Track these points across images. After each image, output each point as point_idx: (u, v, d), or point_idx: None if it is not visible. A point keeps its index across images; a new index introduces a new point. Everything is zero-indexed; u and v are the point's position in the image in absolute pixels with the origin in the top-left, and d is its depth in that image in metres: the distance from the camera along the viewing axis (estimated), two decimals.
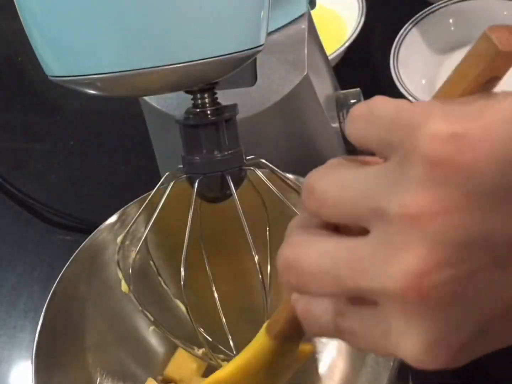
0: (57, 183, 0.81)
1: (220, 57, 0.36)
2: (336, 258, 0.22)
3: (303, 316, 0.25)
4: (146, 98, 0.56)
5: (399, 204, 0.20)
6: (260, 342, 0.31)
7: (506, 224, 0.19)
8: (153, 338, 0.56)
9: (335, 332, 0.24)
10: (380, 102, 0.22)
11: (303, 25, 0.57)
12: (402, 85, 0.72)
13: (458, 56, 0.58)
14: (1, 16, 0.94)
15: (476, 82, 0.21)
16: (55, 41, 0.36)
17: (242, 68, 0.39)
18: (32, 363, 0.44)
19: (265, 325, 0.31)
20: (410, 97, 0.70)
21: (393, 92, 0.71)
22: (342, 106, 0.60)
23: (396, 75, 0.73)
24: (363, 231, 0.22)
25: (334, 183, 0.22)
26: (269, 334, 0.30)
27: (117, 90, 0.38)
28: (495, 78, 0.21)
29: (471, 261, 0.20)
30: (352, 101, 0.61)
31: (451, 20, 0.80)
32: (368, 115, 0.22)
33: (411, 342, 0.21)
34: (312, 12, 0.61)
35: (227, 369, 0.33)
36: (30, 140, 0.86)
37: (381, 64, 0.77)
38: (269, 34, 0.41)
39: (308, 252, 0.23)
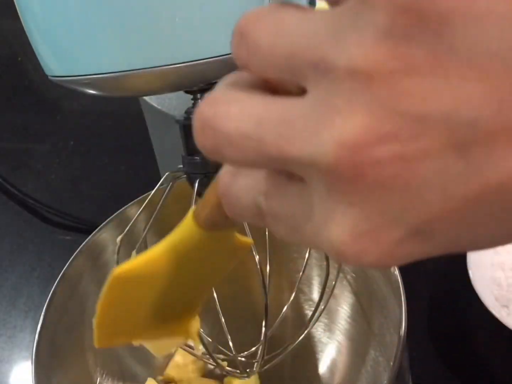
0: (57, 183, 0.81)
1: (220, 57, 0.36)
2: (261, 120, 0.18)
3: (224, 193, 0.22)
4: (146, 98, 0.56)
5: (348, 56, 0.16)
6: (185, 229, 0.27)
7: (476, 100, 0.15)
8: None
9: (256, 214, 0.21)
10: None
11: None
12: None
13: None
14: (1, 16, 0.94)
15: None
16: (55, 41, 0.36)
17: None
18: (32, 363, 0.44)
19: (191, 210, 0.27)
20: None
21: None
22: None
23: None
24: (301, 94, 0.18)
25: (272, 27, 0.18)
26: (195, 221, 0.26)
27: (117, 90, 0.38)
28: None
29: (425, 139, 0.16)
30: None
31: None
32: None
33: (335, 230, 0.18)
34: None
35: (148, 255, 0.28)
36: (30, 140, 0.87)
37: None
38: None
39: (229, 110, 0.19)
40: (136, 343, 0.32)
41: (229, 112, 0.19)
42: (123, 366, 0.54)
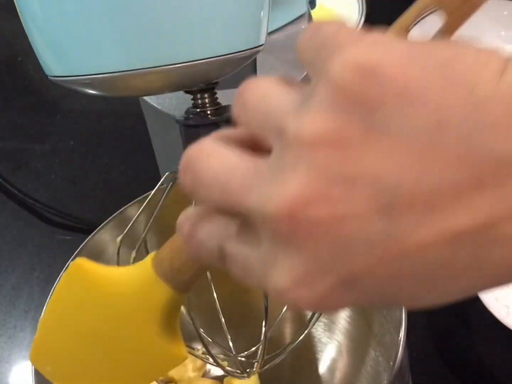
0: (57, 183, 0.81)
1: (220, 57, 0.36)
2: (232, 170, 0.21)
3: (189, 235, 0.24)
4: (146, 98, 0.56)
5: (296, 125, 0.19)
6: (141, 264, 0.28)
7: (400, 169, 0.18)
8: None
9: (218, 256, 0.23)
10: (327, 24, 0.21)
11: (303, 25, 0.57)
12: None
13: None
14: (1, 16, 0.94)
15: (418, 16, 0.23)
16: (55, 41, 0.36)
17: (242, 68, 0.39)
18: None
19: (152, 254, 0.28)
20: None
21: None
22: None
23: None
24: None
25: (261, 92, 0.22)
26: (151, 263, 0.28)
27: (117, 90, 0.38)
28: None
29: (353, 200, 0.18)
30: None
31: None
32: (315, 31, 0.21)
33: (277, 274, 0.20)
34: (312, 12, 0.61)
35: (105, 268, 0.29)
36: (30, 140, 0.87)
37: None
38: (269, 34, 0.41)
39: (210, 157, 0.22)
40: None
41: (210, 159, 0.22)
42: None
